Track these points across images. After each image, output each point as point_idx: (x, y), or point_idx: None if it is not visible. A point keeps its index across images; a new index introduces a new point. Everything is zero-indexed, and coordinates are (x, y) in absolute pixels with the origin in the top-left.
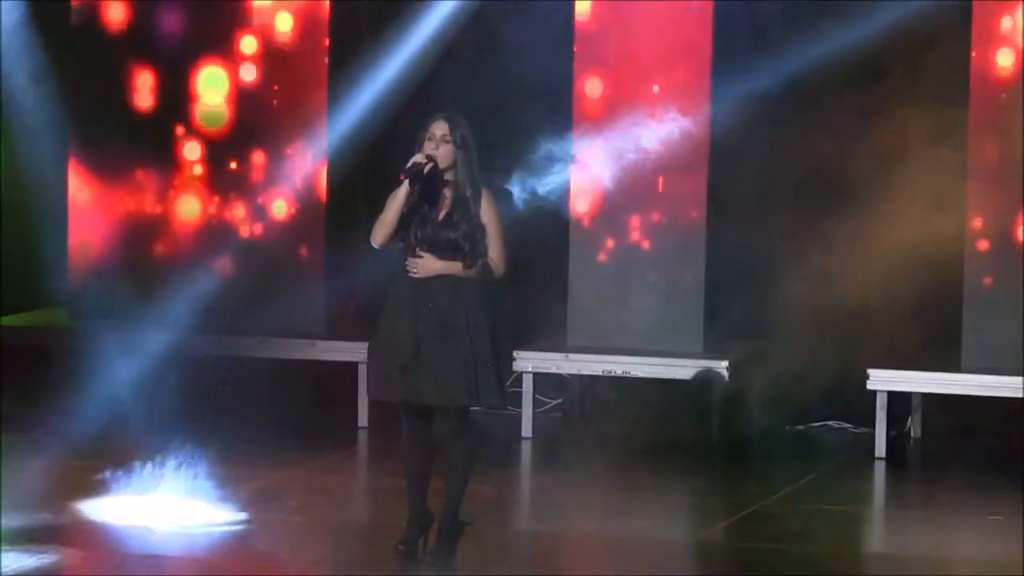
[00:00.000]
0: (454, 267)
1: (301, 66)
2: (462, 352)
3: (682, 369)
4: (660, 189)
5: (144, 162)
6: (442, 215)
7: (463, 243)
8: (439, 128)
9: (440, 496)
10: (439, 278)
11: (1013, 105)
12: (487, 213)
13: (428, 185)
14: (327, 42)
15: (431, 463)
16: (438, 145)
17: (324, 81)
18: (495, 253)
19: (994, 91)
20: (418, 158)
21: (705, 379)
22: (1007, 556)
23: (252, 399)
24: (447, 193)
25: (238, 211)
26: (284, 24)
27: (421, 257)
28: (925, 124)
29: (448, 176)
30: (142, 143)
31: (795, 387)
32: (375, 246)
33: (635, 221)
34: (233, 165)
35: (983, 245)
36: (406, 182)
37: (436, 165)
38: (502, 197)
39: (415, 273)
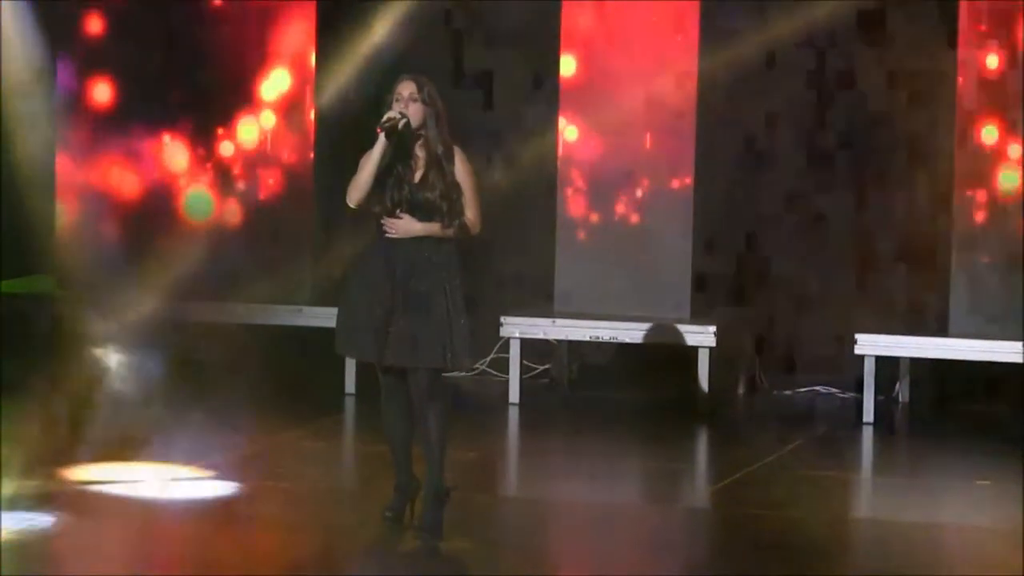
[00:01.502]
0: (433, 228)
1: (289, 32)
2: (438, 314)
3: (670, 335)
4: (647, 154)
5: (133, 130)
6: (417, 176)
7: (440, 203)
8: (406, 88)
9: (422, 462)
10: (414, 240)
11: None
12: (461, 172)
13: (402, 142)
14: (315, 8)
15: (411, 425)
16: (407, 104)
17: (312, 48)
18: (471, 212)
19: (981, 42)
20: (392, 113)
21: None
22: (994, 521)
23: (238, 366)
24: (420, 153)
25: (225, 178)
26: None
27: (400, 218)
28: (915, 82)
29: (420, 135)
30: (131, 111)
31: (783, 352)
32: (351, 206)
33: (622, 186)
34: (220, 132)
35: (972, 209)
36: (382, 138)
37: (409, 122)
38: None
39: (393, 234)
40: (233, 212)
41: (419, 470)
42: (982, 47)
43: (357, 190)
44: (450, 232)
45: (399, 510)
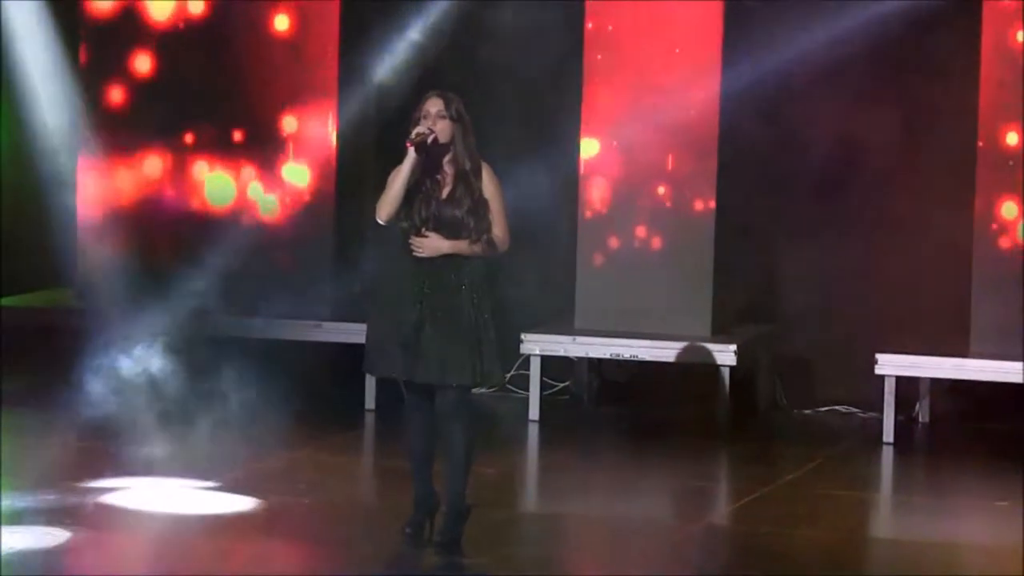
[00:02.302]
0: (460, 245)
1: (312, 46)
2: (466, 331)
3: (690, 352)
4: (669, 173)
5: (153, 143)
6: (445, 192)
7: (467, 219)
8: (433, 105)
9: (444, 478)
10: (443, 256)
11: None
12: (489, 188)
13: (430, 158)
14: (337, 23)
15: (434, 443)
16: (435, 121)
17: (335, 62)
18: (499, 229)
19: (1006, 71)
20: (421, 128)
21: None
22: (1013, 542)
23: (259, 380)
24: (448, 169)
25: (247, 192)
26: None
27: (426, 236)
28: (936, 106)
29: (448, 151)
30: (151, 124)
31: (803, 371)
32: (381, 222)
33: (644, 204)
34: (241, 144)
35: (993, 229)
36: (411, 153)
37: (437, 138)
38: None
39: (420, 252)
40: (254, 225)
41: (438, 485)
42: (1003, 85)
43: (387, 205)
44: (477, 249)
45: (419, 525)
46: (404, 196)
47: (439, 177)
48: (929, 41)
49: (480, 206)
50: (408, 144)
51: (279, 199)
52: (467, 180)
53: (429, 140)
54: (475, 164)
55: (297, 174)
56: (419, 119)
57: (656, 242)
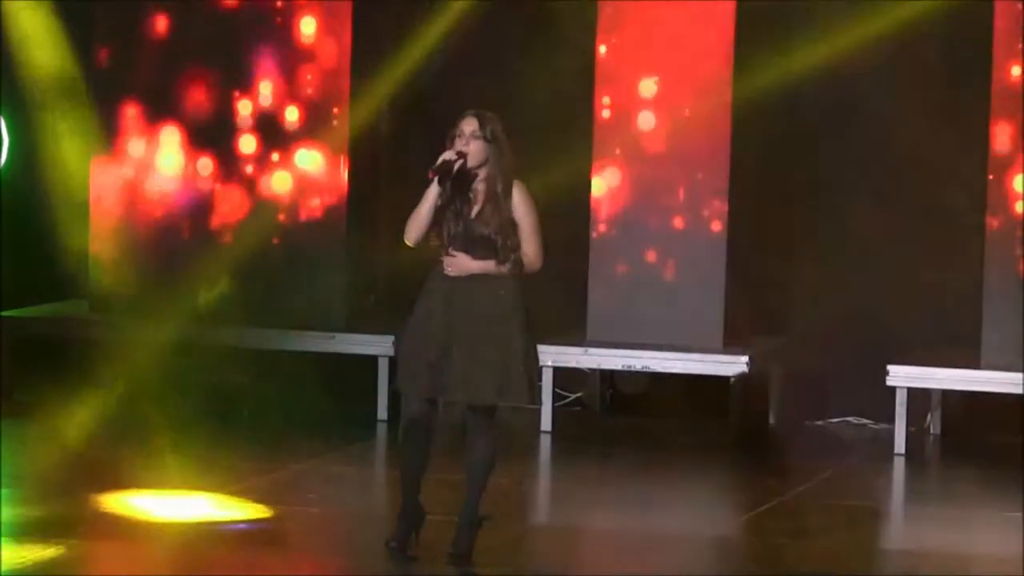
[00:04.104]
0: (488, 266)
1: (324, 60)
2: (495, 349)
3: (702, 364)
4: (681, 184)
5: (167, 155)
6: (475, 211)
7: (495, 238)
8: (468, 125)
9: (459, 490)
10: (472, 276)
11: None
12: (521, 207)
13: (459, 181)
14: (350, 37)
15: (428, 456)
16: (468, 142)
17: (347, 73)
18: (529, 248)
19: (1015, 82)
20: (447, 155)
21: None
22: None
23: (272, 392)
24: (480, 188)
25: (259, 204)
26: (308, 26)
27: (455, 256)
28: (947, 116)
29: (481, 172)
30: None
31: (815, 382)
32: (409, 244)
33: (655, 215)
34: (253, 158)
35: (1004, 240)
36: (435, 182)
37: (465, 162)
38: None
39: (449, 272)
40: (268, 236)
41: (451, 496)
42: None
43: (415, 229)
44: (504, 269)
45: (404, 539)
46: (435, 213)
47: (471, 196)
48: (946, 41)
49: (508, 225)
50: (431, 174)
51: (292, 208)
52: (496, 200)
53: (456, 167)
54: (507, 184)
55: (310, 182)
56: (455, 137)
57: (668, 253)
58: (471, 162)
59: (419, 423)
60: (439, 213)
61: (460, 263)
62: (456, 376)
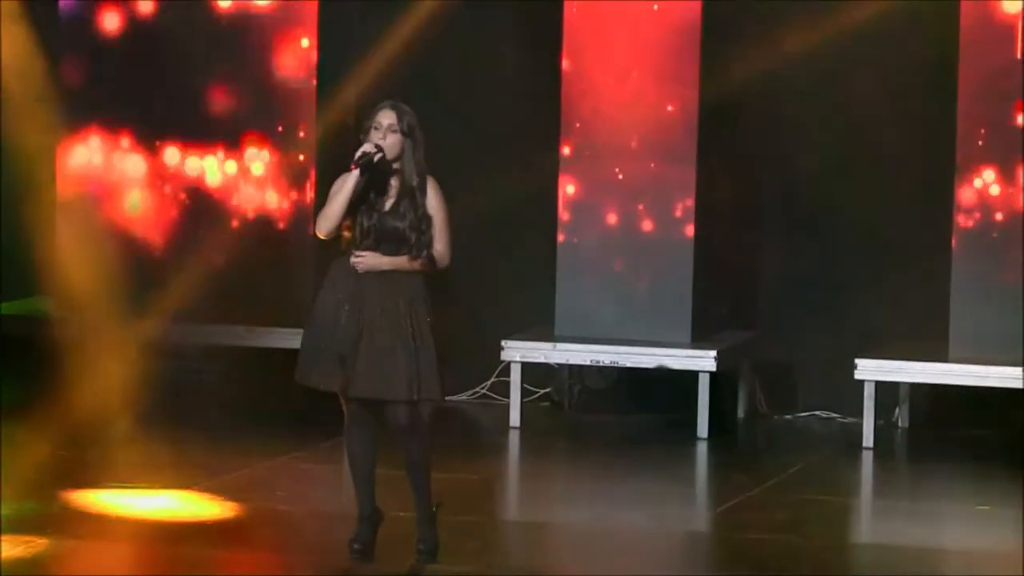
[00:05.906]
0: (399, 262)
1: (290, 54)
2: (404, 345)
3: (671, 359)
4: (649, 179)
5: (131, 150)
6: (388, 204)
7: (409, 233)
8: (386, 117)
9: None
10: (382, 271)
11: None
12: (433, 202)
13: (376, 175)
14: (316, 28)
15: (375, 453)
16: (385, 135)
17: (313, 68)
18: (440, 244)
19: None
20: (367, 147)
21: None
22: (993, 546)
23: (240, 388)
24: (394, 182)
25: (225, 199)
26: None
27: (364, 255)
28: (916, 112)
29: (396, 165)
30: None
31: (783, 377)
32: (321, 237)
33: (623, 210)
34: (221, 154)
35: (972, 234)
36: (356, 173)
37: (384, 155)
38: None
39: (360, 269)
40: (233, 232)
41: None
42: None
43: (328, 221)
44: (417, 265)
45: (367, 542)
46: (349, 206)
47: (385, 189)
48: (916, 39)
49: (423, 221)
50: (353, 166)
51: (258, 203)
52: (412, 194)
53: (376, 159)
54: (422, 179)
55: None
56: (371, 129)
57: (637, 249)
58: (388, 155)
59: (359, 421)
60: (353, 206)
61: (371, 260)
62: (369, 372)
